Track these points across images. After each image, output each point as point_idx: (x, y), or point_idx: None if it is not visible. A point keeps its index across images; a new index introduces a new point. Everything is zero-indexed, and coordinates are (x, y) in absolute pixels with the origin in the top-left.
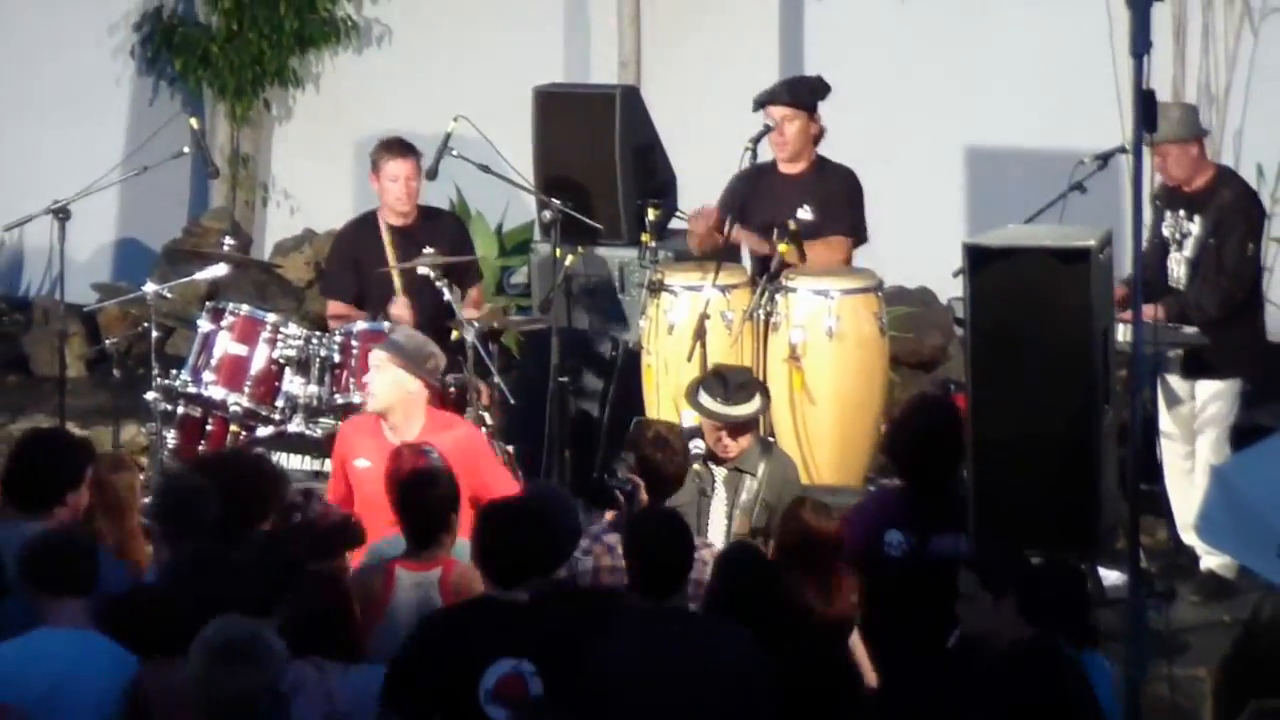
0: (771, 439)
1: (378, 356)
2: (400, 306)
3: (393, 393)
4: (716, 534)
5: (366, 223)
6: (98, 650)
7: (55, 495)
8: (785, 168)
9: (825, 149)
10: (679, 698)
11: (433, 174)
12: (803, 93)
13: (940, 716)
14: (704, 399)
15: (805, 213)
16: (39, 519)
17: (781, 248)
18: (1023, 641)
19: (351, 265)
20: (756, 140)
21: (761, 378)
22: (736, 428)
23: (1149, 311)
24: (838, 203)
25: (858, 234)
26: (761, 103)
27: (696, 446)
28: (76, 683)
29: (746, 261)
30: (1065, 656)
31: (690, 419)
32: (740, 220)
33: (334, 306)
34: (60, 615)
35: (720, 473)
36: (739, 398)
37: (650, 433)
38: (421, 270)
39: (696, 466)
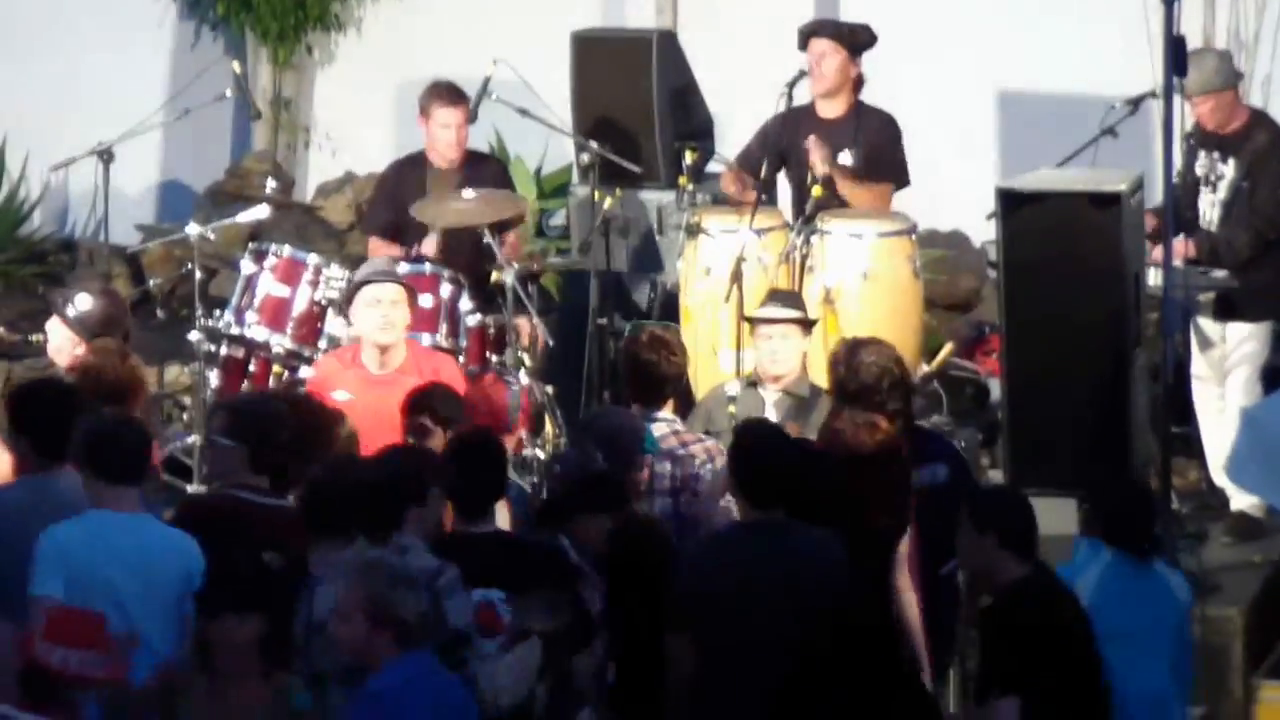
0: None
1: (394, 290)
2: (430, 244)
3: (404, 326)
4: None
5: (412, 163)
6: (163, 534)
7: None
8: (823, 110)
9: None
10: (777, 604)
11: (472, 118)
12: (847, 31)
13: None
14: (756, 310)
15: (845, 157)
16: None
17: (815, 191)
18: (1013, 581)
19: (392, 203)
20: (792, 84)
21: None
22: (786, 334)
23: (1179, 247)
24: (880, 149)
25: (900, 179)
26: (806, 33)
27: (731, 388)
28: (154, 557)
29: (784, 204)
30: (1056, 594)
31: (728, 361)
32: (781, 164)
33: (374, 243)
34: (120, 501)
35: (771, 395)
36: (787, 302)
37: (645, 336)
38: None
39: (741, 392)
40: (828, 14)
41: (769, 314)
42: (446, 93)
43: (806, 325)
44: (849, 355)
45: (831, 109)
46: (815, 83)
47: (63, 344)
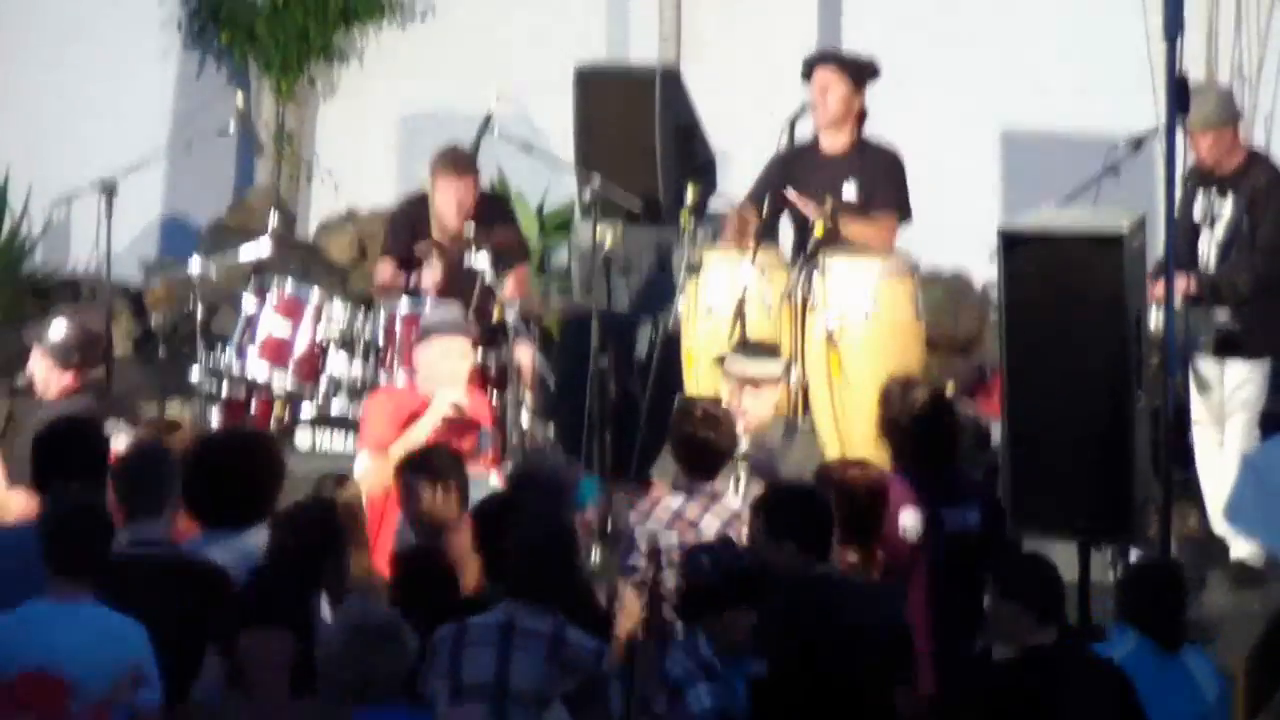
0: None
1: (463, 345)
2: (430, 276)
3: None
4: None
5: (426, 201)
6: (104, 622)
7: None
8: (826, 145)
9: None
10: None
11: (474, 152)
12: (852, 63)
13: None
14: (728, 360)
15: (849, 191)
16: None
17: (818, 229)
18: (1037, 648)
19: (409, 231)
20: (794, 119)
21: (799, 359)
22: (753, 385)
23: (1180, 284)
24: (883, 182)
25: (904, 212)
26: (811, 63)
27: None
28: (92, 646)
29: (785, 241)
30: (1088, 661)
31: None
32: (784, 202)
33: (383, 266)
34: (61, 589)
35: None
36: (759, 353)
37: (698, 411)
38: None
39: None
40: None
41: (740, 371)
42: (450, 163)
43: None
44: (902, 393)
45: (834, 143)
46: (818, 113)
47: (48, 375)
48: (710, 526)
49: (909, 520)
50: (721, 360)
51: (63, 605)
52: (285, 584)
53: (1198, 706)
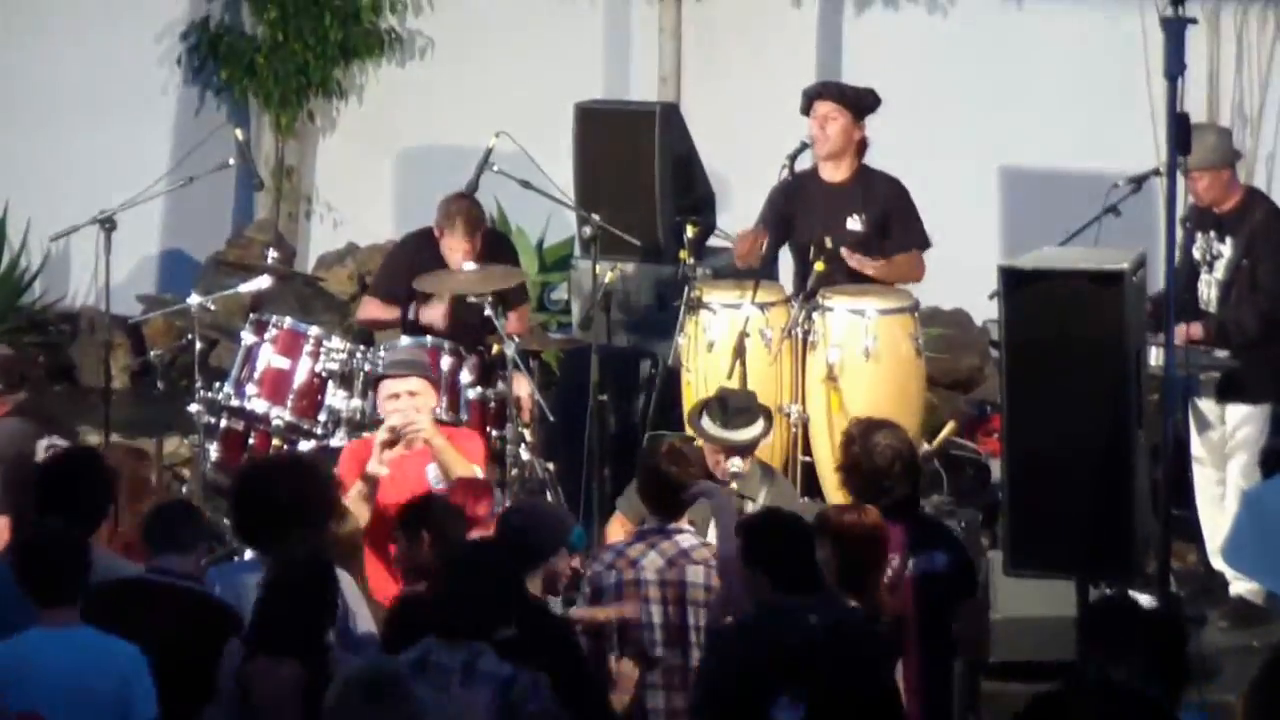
0: (773, 467)
1: (414, 384)
2: (435, 313)
3: (430, 415)
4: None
5: (429, 238)
6: (99, 646)
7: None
8: (828, 175)
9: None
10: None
11: (473, 189)
12: (851, 94)
13: None
14: (704, 422)
15: (854, 223)
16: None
17: (818, 266)
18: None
19: (405, 275)
20: (794, 156)
21: (800, 397)
22: (734, 451)
23: (1182, 332)
24: (897, 215)
25: (923, 242)
26: (811, 96)
27: (735, 465)
28: (86, 672)
29: (785, 278)
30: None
31: None
32: (786, 233)
33: (368, 302)
34: (53, 618)
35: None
36: (738, 422)
37: (664, 447)
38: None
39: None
40: None
41: (711, 434)
42: (464, 226)
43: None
44: (864, 436)
45: (836, 173)
46: (819, 145)
47: None
48: (652, 564)
49: None
50: (698, 416)
51: (52, 633)
52: (293, 613)
53: None
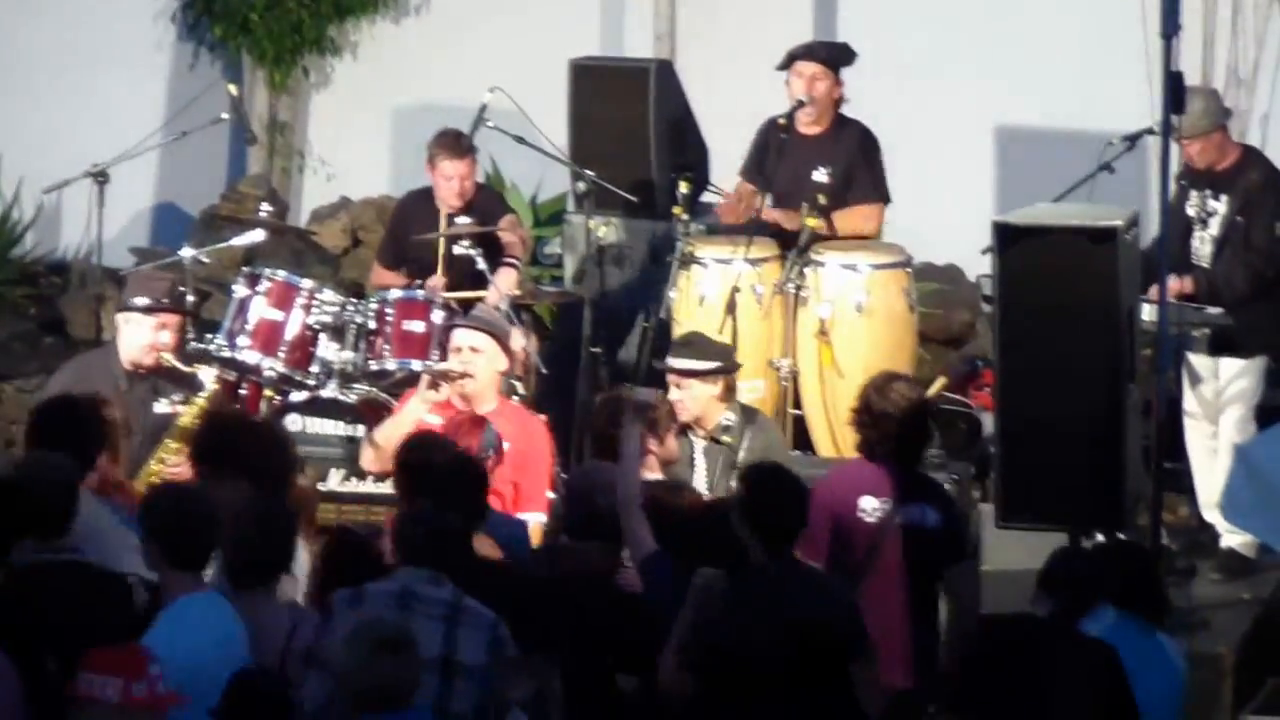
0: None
1: (479, 340)
2: (436, 282)
3: (490, 375)
4: None
5: (425, 197)
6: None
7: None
8: (804, 127)
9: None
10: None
11: (469, 144)
12: (833, 53)
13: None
14: (666, 359)
15: (820, 175)
16: None
17: (810, 221)
18: (1029, 617)
19: (403, 235)
20: (790, 116)
21: (791, 352)
22: (687, 376)
23: (1175, 285)
24: (860, 166)
25: (882, 195)
26: (795, 56)
27: (727, 418)
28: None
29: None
30: (1075, 636)
31: None
32: (759, 179)
33: (377, 270)
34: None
35: (699, 444)
36: (684, 353)
37: (615, 405)
38: (458, 250)
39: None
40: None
41: (672, 364)
42: (450, 144)
43: (711, 375)
44: (883, 382)
45: (813, 126)
46: (805, 109)
47: None
48: None
49: (868, 504)
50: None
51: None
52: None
53: (1175, 683)
